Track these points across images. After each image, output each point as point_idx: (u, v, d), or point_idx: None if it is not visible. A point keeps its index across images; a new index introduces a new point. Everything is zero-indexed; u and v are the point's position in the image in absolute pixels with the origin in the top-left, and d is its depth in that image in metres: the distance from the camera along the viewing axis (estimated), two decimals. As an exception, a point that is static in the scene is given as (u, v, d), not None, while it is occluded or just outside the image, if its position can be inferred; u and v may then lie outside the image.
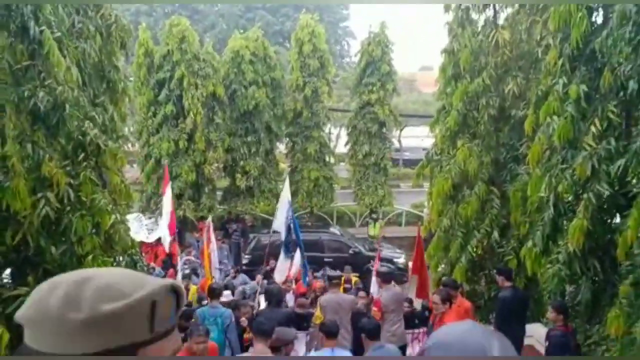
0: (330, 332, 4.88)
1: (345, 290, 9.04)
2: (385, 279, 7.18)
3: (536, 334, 7.23)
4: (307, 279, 10.56)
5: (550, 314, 5.79)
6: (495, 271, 7.53)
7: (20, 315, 0.77)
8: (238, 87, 15.41)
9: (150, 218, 13.80)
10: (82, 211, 5.21)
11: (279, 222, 10.37)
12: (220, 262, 11.33)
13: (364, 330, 4.87)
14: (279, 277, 9.93)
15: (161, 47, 14.88)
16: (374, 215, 16.97)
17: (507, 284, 6.95)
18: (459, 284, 7.62)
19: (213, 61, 15.29)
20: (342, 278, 9.40)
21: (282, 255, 10.26)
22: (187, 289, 9.29)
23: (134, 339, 0.75)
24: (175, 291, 0.80)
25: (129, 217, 7.68)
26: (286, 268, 10.20)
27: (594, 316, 6.23)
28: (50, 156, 5.05)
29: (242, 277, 11.03)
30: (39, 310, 0.74)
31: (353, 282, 10.34)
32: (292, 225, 10.41)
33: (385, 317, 6.65)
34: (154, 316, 0.76)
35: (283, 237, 10.27)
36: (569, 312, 5.81)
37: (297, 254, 10.08)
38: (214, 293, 6.61)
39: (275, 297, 6.70)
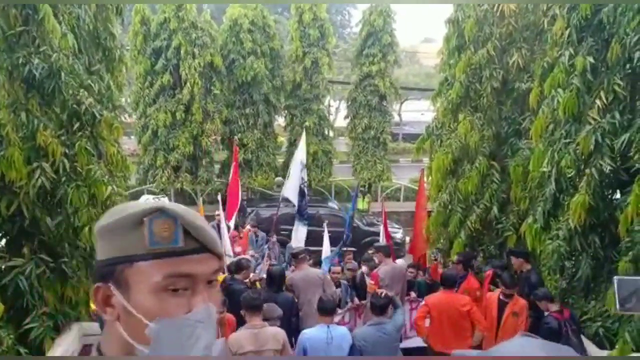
0: (324, 309, 4.87)
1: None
2: (385, 253, 7.16)
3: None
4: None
5: (540, 304, 5.60)
6: (510, 253, 6.91)
7: None
8: (236, 57, 15.15)
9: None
10: (78, 182, 5.12)
11: (290, 188, 9.94)
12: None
13: (373, 305, 5.03)
14: (296, 243, 9.65)
15: (158, 15, 14.55)
16: (362, 189, 16.96)
17: (527, 266, 6.51)
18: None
19: (211, 30, 15.00)
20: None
21: (296, 223, 9.99)
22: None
23: (128, 252, 0.85)
24: (169, 214, 0.85)
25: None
26: (303, 235, 9.95)
27: (590, 292, 6.25)
28: (45, 125, 4.94)
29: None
30: None
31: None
32: (305, 190, 10.01)
33: (381, 291, 6.69)
34: (144, 233, 0.84)
35: (296, 202, 9.91)
36: (552, 297, 5.63)
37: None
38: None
39: (276, 281, 5.99)
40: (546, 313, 5.50)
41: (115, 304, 0.87)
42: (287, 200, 10.26)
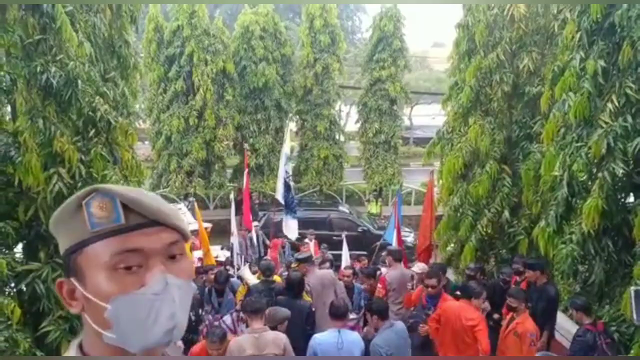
0: (336, 314, 4.88)
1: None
2: (395, 257, 7.14)
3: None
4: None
5: (575, 314, 5.35)
6: (526, 266, 6.51)
7: None
8: (248, 63, 15.29)
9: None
10: (94, 187, 5.22)
11: (278, 186, 9.85)
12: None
13: (376, 312, 4.93)
14: (292, 235, 9.68)
15: (171, 23, 14.75)
16: (375, 193, 16.95)
17: (544, 279, 6.20)
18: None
19: (223, 37, 15.17)
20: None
21: (284, 217, 9.91)
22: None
23: (76, 240, 0.85)
24: (105, 193, 0.84)
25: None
26: (294, 227, 9.86)
27: (604, 296, 6.19)
28: (61, 132, 5.04)
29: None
30: None
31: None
32: (291, 184, 9.88)
33: (389, 296, 6.67)
34: (85, 217, 0.84)
35: (281, 196, 9.79)
36: (590, 309, 5.32)
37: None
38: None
39: (294, 288, 5.85)
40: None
41: (78, 296, 0.87)
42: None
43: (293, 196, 10.12)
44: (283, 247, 10.37)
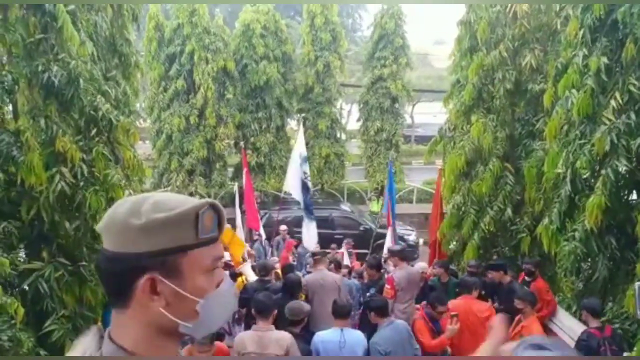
0: (339, 313, 4.87)
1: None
2: (401, 257, 7.10)
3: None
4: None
5: (583, 312, 5.26)
6: (490, 267, 6.89)
7: (98, 226, 1.01)
8: (249, 61, 15.27)
9: None
10: (96, 186, 5.22)
11: (291, 182, 9.67)
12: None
13: (374, 309, 4.89)
14: (310, 244, 9.47)
15: (172, 21, 14.73)
16: (377, 192, 16.94)
17: (507, 278, 6.53)
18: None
19: (224, 35, 15.15)
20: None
21: (305, 221, 9.71)
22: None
23: (182, 243, 0.95)
24: (215, 208, 1.00)
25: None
26: (314, 233, 9.65)
27: (607, 294, 6.18)
28: (63, 131, 5.04)
29: None
30: (109, 218, 0.97)
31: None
32: (309, 185, 9.68)
33: (397, 296, 6.65)
34: (198, 225, 0.96)
35: (300, 197, 9.60)
36: (598, 312, 5.19)
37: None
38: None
39: (291, 289, 5.89)
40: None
41: (161, 291, 0.96)
42: (289, 194, 10.03)
43: (311, 197, 10.02)
44: (296, 247, 10.31)
